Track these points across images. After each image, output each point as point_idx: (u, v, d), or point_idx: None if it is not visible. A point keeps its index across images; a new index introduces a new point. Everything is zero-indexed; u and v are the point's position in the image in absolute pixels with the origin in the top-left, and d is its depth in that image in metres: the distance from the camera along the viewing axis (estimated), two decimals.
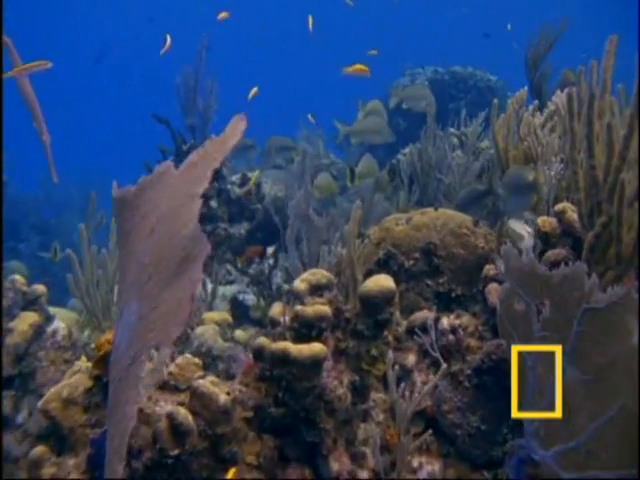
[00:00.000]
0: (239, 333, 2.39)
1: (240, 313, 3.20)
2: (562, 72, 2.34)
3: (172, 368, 1.52)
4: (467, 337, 1.52)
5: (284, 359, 1.38)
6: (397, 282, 1.84)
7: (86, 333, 2.40)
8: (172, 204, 0.99)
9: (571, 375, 1.16)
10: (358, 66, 3.20)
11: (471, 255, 1.88)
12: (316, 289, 1.55)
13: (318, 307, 1.45)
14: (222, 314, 2.42)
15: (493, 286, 1.53)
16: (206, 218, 3.59)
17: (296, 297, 1.54)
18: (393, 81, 6.12)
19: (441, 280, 1.87)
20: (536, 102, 2.16)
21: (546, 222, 1.51)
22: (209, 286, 3.15)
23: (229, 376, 2.04)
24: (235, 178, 3.74)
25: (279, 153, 3.48)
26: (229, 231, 3.61)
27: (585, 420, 1.15)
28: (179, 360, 1.54)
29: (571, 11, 3.25)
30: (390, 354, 1.41)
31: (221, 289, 3.30)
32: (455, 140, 3.44)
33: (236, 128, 1.07)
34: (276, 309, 1.56)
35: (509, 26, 7.76)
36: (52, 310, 2.75)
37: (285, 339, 1.46)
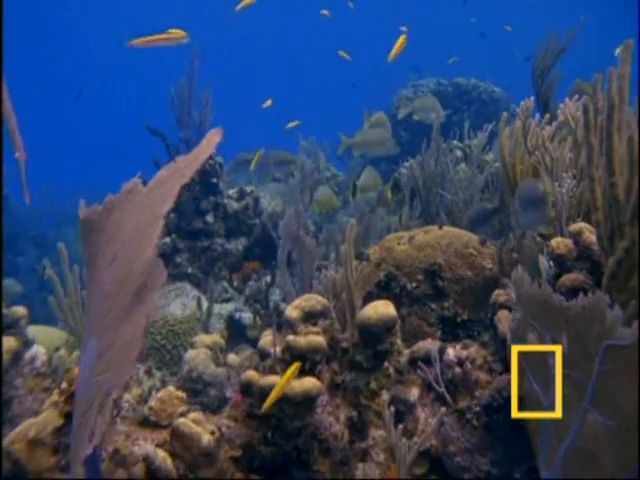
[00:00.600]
0: (232, 357, 2.26)
1: (236, 332, 3.09)
2: (574, 82, 2.23)
3: (153, 402, 1.40)
4: (475, 370, 1.38)
5: None
6: (399, 306, 1.73)
7: (75, 354, 2.29)
8: (137, 226, 0.88)
9: (592, 420, 1.04)
10: (398, 44, 3.06)
11: (478, 277, 1.76)
12: (310, 317, 1.42)
13: (311, 338, 1.32)
14: (214, 337, 2.29)
15: (503, 314, 1.40)
16: (202, 233, 3.49)
17: (288, 325, 1.42)
18: (395, 92, 6.05)
19: (446, 304, 1.75)
20: (547, 116, 2.05)
21: (561, 244, 1.38)
22: (204, 304, 3.04)
23: (221, 403, 1.92)
24: (232, 192, 3.63)
25: (277, 167, 3.37)
26: (226, 247, 3.50)
27: (608, 471, 1.03)
28: (161, 393, 1.42)
29: (576, 19, 3.12)
30: (385, 395, 1.28)
31: (217, 307, 3.20)
32: (459, 153, 3.34)
33: (210, 142, 0.96)
34: (266, 339, 1.44)
35: (508, 27, 7.68)
36: (42, 329, 2.63)
37: (275, 372, 1.33)
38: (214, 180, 3.51)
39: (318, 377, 1.32)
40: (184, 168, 0.92)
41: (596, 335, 1.02)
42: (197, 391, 2.15)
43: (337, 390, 1.41)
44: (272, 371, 1.34)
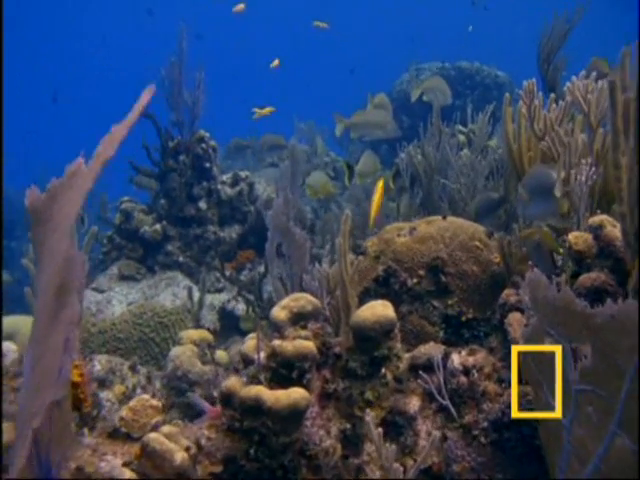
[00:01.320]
0: (220, 354, 2.13)
1: (229, 324, 2.97)
2: (591, 60, 2.08)
3: (124, 412, 1.27)
4: (483, 380, 1.24)
5: (257, 409, 1.12)
6: (399, 303, 1.60)
7: None
8: (74, 212, 0.75)
9: (620, 444, 0.90)
10: None
11: (485, 272, 1.62)
12: (299, 318, 1.28)
13: (300, 343, 1.18)
14: (202, 332, 2.16)
15: (515, 317, 1.26)
16: (194, 220, 3.35)
17: (275, 328, 1.28)
18: (396, 76, 5.92)
19: (450, 301, 1.61)
20: (553, 96, 1.89)
21: (579, 238, 1.24)
22: (196, 295, 2.92)
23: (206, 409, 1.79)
24: (226, 177, 3.49)
25: (271, 152, 3.22)
26: (219, 235, 3.36)
27: None
28: (133, 402, 1.29)
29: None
30: (368, 417, 1.12)
31: (209, 297, 3.07)
32: (462, 137, 3.18)
33: (139, 104, 0.84)
34: (249, 343, 1.29)
35: None
36: (31, 320, 2.49)
37: (259, 382, 1.19)
38: (207, 165, 3.37)
39: (307, 387, 1.18)
40: (114, 139, 0.79)
41: (627, 349, 0.88)
42: (182, 390, 2.02)
43: (329, 400, 1.26)
44: (255, 380, 1.20)
